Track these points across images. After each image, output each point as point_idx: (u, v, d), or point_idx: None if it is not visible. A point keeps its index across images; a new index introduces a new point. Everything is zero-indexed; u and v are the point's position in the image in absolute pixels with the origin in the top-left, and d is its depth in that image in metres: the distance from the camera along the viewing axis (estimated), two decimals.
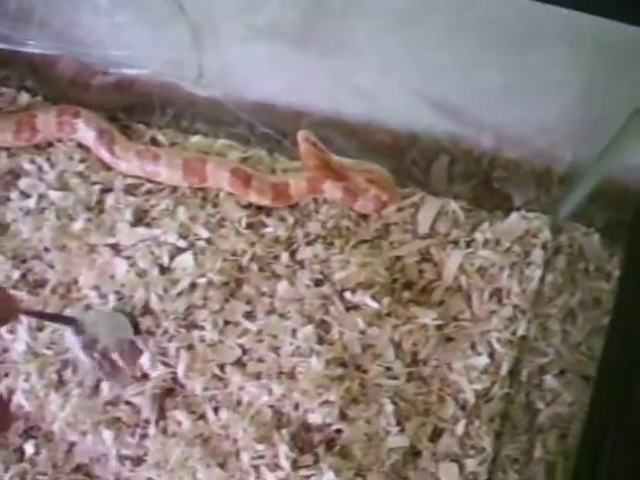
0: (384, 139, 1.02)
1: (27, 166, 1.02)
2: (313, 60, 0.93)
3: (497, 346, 0.95)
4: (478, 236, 1.02)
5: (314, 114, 1.01)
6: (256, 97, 1.01)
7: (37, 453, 0.88)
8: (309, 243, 1.00)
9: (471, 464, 0.89)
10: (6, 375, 0.91)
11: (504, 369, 0.94)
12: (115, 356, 0.89)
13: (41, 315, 0.91)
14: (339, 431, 0.89)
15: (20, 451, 0.88)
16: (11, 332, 0.93)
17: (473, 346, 0.95)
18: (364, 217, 1.03)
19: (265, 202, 1.01)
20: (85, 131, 1.03)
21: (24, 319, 0.92)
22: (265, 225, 1.01)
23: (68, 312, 0.93)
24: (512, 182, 1.03)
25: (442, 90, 0.93)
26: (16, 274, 0.96)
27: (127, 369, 0.89)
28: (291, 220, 1.01)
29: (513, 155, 0.99)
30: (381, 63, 0.91)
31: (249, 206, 1.02)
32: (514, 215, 1.03)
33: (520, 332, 0.96)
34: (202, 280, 0.96)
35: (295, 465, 0.87)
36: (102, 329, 0.89)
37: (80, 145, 1.04)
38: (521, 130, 0.96)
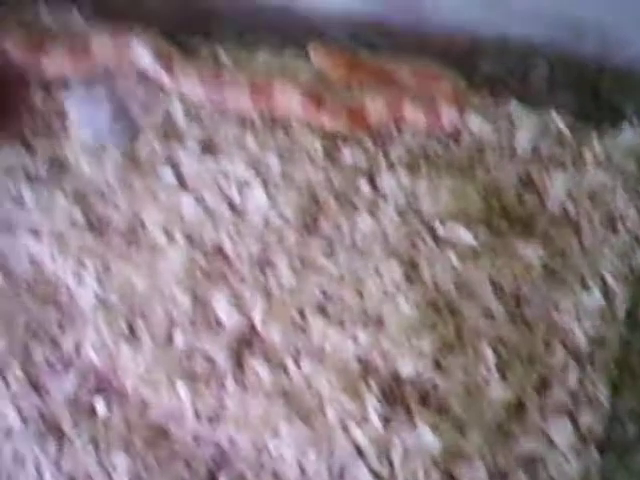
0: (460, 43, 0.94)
1: None
2: None
3: (611, 282, 0.84)
4: (586, 154, 0.90)
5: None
6: None
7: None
8: (392, 170, 0.90)
9: (586, 418, 0.79)
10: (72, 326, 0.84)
11: (620, 308, 0.83)
12: None
13: None
14: (433, 382, 0.81)
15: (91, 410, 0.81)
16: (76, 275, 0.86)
17: (583, 283, 0.84)
18: (454, 139, 0.92)
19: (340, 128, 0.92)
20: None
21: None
22: (342, 152, 0.91)
23: None
24: (622, 90, 0.93)
25: None
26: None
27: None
28: (371, 146, 0.91)
29: (621, 61, 0.91)
30: None
31: (323, 132, 0.92)
32: (626, 127, 0.92)
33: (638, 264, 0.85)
34: (275, 216, 0.87)
35: (386, 421, 0.78)
36: None
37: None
38: (628, 30, 0.88)
